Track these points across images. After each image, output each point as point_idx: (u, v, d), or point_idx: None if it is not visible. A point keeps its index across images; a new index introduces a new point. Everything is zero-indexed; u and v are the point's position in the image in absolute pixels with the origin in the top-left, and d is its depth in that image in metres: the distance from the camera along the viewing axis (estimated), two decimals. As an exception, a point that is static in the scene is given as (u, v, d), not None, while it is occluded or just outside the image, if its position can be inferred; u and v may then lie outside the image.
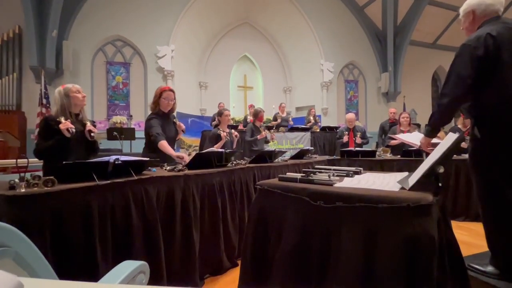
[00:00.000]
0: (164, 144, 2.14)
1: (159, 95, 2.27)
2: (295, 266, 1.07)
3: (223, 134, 3.11)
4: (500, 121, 1.34)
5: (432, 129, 1.55)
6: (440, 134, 4.20)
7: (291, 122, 6.27)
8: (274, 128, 5.84)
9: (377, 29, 8.97)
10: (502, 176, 1.35)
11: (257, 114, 4.00)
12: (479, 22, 1.46)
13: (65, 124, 1.76)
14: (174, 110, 2.40)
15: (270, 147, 4.75)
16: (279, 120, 6.19)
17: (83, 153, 1.94)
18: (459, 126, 4.01)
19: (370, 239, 0.90)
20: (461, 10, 1.55)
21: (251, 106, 6.65)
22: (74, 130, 1.77)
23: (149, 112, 2.37)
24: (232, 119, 7.50)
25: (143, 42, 6.89)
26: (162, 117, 2.28)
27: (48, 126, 1.82)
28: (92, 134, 1.91)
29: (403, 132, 3.84)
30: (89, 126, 1.92)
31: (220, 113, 3.35)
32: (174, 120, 2.39)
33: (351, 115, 4.66)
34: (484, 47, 1.31)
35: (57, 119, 1.80)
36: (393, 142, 4.07)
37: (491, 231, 1.43)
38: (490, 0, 1.44)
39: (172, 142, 2.36)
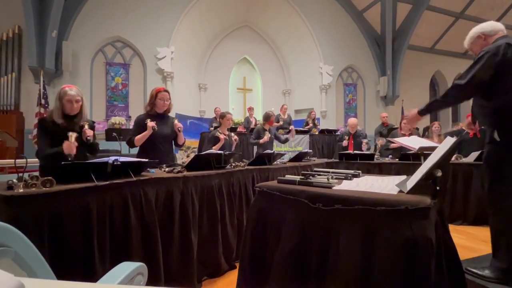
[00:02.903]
0: (137, 138, 2.21)
1: (155, 96, 2.30)
2: (293, 268, 1.07)
3: (221, 136, 3.12)
4: None
5: (428, 110, 1.66)
6: (439, 140, 4.24)
7: (292, 126, 6.25)
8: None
9: (376, 34, 9.04)
10: None
11: (268, 118, 4.00)
12: (492, 40, 1.54)
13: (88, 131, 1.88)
14: (169, 110, 2.42)
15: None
16: (281, 122, 6.20)
17: (81, 153, 1.93)
18: (464, 127, 4.03)
19: (369, 242, 0.90)
20: (468, 40, 1.65)
21: (250, 108, 6.65)
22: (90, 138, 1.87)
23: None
24: (232, 121, 7.49)
25: (143, 43, 6.90)
26: (156, 117, 2.30)
27: (44, 127, 1.85)
28: (88, 137, 1.89)
29: (404, 135, 3.87)
30: (85, 130, 1.90)
31: (222, 116, 3.36)
32: (172, 121, 2.40)
33: (353, 120, 4.66)
34: (502, 54, 1.39)
35: (50, 118, 1.83)
36: (392, 146, 4.12)
37: (499, 233, 1.45)
38: (493, 23, 1.58)
39: (166, 140, 2.36)
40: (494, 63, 1.40)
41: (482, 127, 3.69)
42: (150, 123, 2.18)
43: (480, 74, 1.43)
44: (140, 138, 2.21)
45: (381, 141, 4.42)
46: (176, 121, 2.38)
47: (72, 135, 1.77)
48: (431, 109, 1.66)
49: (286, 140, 4.27)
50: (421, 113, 1.67)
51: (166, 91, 2.35)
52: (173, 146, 2.50)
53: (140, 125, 2.25)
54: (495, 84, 1.43)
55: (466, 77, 1.46)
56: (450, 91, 1.53)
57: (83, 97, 1.97)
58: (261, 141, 3.86)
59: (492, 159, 1.49)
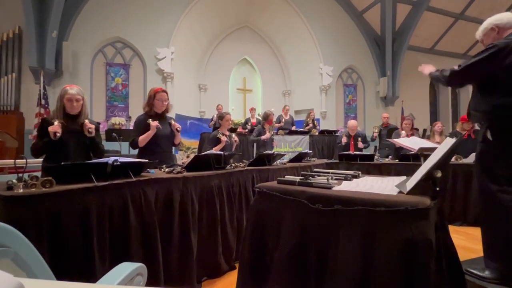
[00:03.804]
0: (141, 138, 2.20)
1: (153, 97, 2.30)
2: (293, 269, 1.07)
3: (223, 138, 3.12)
4: None
5: (431, 76, 1.75)
6: (441, 139, 4.24)
7: (294, 127, 6.25)
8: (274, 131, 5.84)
9: (375, 34, 9.05)
10: (509, 179, 1.38)
11: (267, 117, 4.01)
12: (505, 33, 1.50)
13: (53, 127, 1.79)
14: (168, 110, 2.42)
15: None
16: (282, 123, 6.19)
17: (83, 153, 1.93)
18: (458, 130, 4.06)
19: (368, 242, 0.90)
20: (480, 31, 1.61)
21: (252, 109, 6.65)
22: (59, 134, 1.79)
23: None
24: (231, 121, 7.49)
25: (143, 43, 6.90)
26: (155, 117, 2.30)
27: (43, 127, 1.85)
28: (89, 129, 1.90)
29: (407, 136, 3.87)
30: (86, 123, 1.91)
31: (221, 117, 3.36)
32: (170, 121, 2.40)
33: (353, 122, 4.67)
34: (508, 52, 1.37)
35: (51, 121, 1.83)
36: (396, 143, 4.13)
37: (491, 233, 1.44)
38: (509, 15, 1.52)
39: (166, 140, 2.36)
40: (496, 59, 1.38)
41: (476, 127, 3.73)
42: (154, 123, 2.18)
43: (479, 65, 1.42)
44: (144, 138, 2.20)
45: (375, 133, 4.46)
46: (173, 122, 2.38)
47: (56, 121, 1.82)
48: (433, 77, 1.74)
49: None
50: (429, 74, 1.78)
51: (164, 91, 2.34)
52: (173, 146, 2.50)
53: (141, 126, 2.24)
54: (497, 82, 1.42)
55: (462, 65, 1.46)
56: (445, 73, 1.55)
57: (84, 96, 1.97)
58: (262, 137, 3.86)
59: (484, 158, 1.49)
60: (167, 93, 2.36)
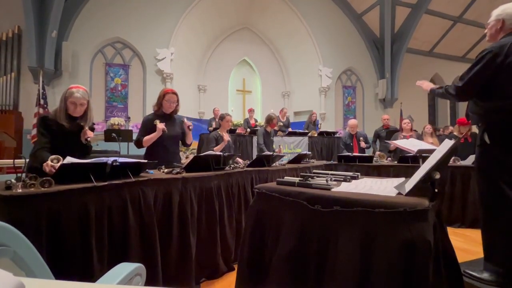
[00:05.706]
0: (146, 139, 2.21)
1: (162, 97, 2.31)
2: (292, 270, 1.07)
3: (225, 137, 3.13)
4: None
5: (433, 92, 1.76)
6: (433, 140, 4.25)
7: (289, 129, 6.24)
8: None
9: (374, 36, 9.08)
10: (508, 182, 1.38)
11: (270, 120, 4.00)
12: (505, 33, 1.51)
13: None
14: (177, 111, 2.43)
15: None
16: (280, 124, 6.17)
17: (76, 155, 1.88)
18: (455, 133, 4.08)
19: (367, 243, 0.91)
20: (495, 14, 1.57)
21: (251, 110, 6.65)
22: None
23: (147, 114, 2.39)
24: (231, 122, 7.48)
25: (142, 44, 6.90)
26: (163, 117, 2.31)
27: (46, 125, 1.77)
28: (88, 138, 1.84)
29: (405, 137, 3.88)
30: (85, 130, 1.85)
31: (222, 117, 3.37)
32: (182, 119, 2.44)
33: (353, 122, 4.65)
34: (505, 55, 1.38)
35: (53, 119, 1.76)
36: (392, 147, 4.14)
37: (492, 236, 1.45)
38: None
39: (173, 140, 2.38)
40: (494, 64, 1.39)
41: (472, 131, 3.76)
42: (160, 125, 2.18)
43: (478, 77, 1.43)
44: (148, 139, 2.21)
45: (379, 154, 4.40)
46: (185, 120, 2.38)
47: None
48: (434, 93, 1.77)
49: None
50: (431, 90, 1.80)
51: (174, 93, 2.34)
52: (179, 146, 2.52)
53: (148, 126, 2.25)
54: (493, 85, 1.42)
55: (464, 78, 1.47)
56: (450, 90, 1.55)
57: (89, 100, 1.89)
58: (277, 150, 3.89)
59: (483, 161, 1.49)
60: (177, 95, 2.36)
